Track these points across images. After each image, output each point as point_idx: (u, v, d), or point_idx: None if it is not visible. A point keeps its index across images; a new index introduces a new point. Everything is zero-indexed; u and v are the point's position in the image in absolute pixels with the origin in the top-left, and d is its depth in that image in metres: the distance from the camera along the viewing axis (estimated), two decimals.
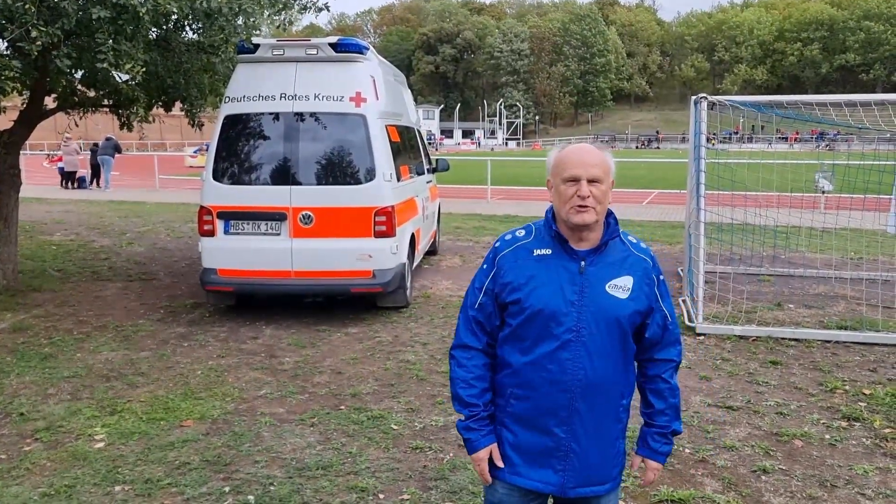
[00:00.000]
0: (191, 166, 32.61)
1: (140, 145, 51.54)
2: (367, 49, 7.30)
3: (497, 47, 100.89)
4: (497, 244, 2.22)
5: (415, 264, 8.39)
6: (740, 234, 9.01)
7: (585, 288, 2.07)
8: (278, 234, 6.84)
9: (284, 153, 6.89)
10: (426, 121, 66.91)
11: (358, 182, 6.87)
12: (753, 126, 36.84)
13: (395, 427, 4.56)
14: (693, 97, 7.49)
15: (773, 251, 9.82)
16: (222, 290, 7.05)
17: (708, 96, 7.23)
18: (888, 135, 8.15)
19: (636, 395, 2.26)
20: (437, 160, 10.53)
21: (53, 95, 8.27)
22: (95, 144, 23.40)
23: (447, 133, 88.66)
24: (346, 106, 6.90)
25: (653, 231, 13.40)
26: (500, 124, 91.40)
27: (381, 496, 3.72)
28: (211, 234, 6.90)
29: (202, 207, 6.94)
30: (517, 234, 2.20)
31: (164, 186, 23.74)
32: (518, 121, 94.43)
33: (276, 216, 6.80)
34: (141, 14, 5.88)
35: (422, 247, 8.86)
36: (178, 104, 8.76)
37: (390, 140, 7.34)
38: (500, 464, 2.18)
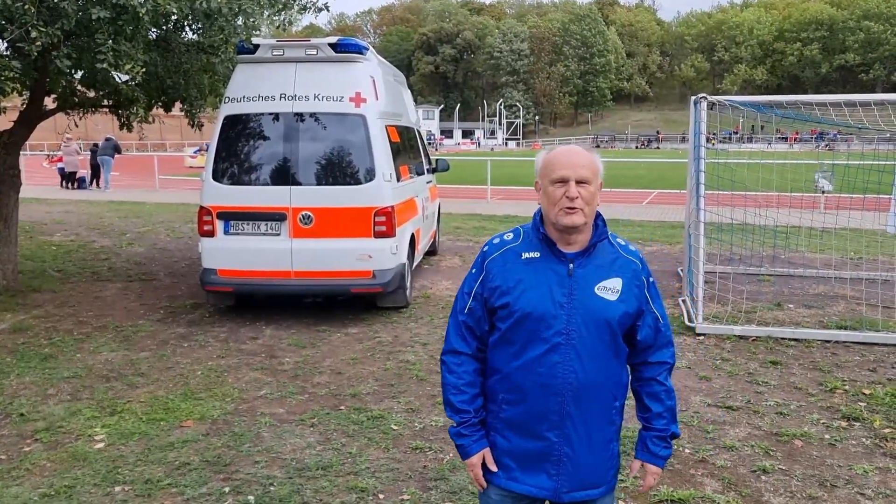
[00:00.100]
0: (190, 166, 32.59)
1: (140, 145, 51.50)
2: (367, 49, 7.30)
3: (497, 47, 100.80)
4: (486, 248, 2.21)
5: (415, 264, 8.40)
6: (740, 234, 9.02)
7: (574, 290, 2.06)
8: (278, 235, 6.85)
9: (284, 153, 6.90)
10: (426, 121, 66.96)
11: (358, 182, 6.87)
12: (753, 126, 36.78)
13: (395, 427, 4.57)
14: (693, 97, 7.49)
15: (773, 251, 9.82)
16: (222, 290, 7.05)
17: (708, 96, 7.22)
18: (888, 135, 8.16)
19: (631, 399, 2.25)
20: (436, 160, 10.53)
21: (53, 96, 8.27)
22: (95, 145, 23.37)
23: (447, 133, 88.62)
24: (346, 106, 6.90)
25: (653, 231, 13.38)
26: (499, 124, 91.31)
27: (381, 496, 3.72)
28: (211, 234, 6.90)
29: (202, 208, 6.95)
30: (505, 237, 2.19)
31: (164, 187, 23.74)
32: (518, 121, 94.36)
33: (276, 216, 6.81)
34: (141, 14, 5.88)
35: (422, 247, 8.86)
36: (177, 104, 8.77)
37: (390, 140, 7.34)
38: (494, 468, 2.17)
